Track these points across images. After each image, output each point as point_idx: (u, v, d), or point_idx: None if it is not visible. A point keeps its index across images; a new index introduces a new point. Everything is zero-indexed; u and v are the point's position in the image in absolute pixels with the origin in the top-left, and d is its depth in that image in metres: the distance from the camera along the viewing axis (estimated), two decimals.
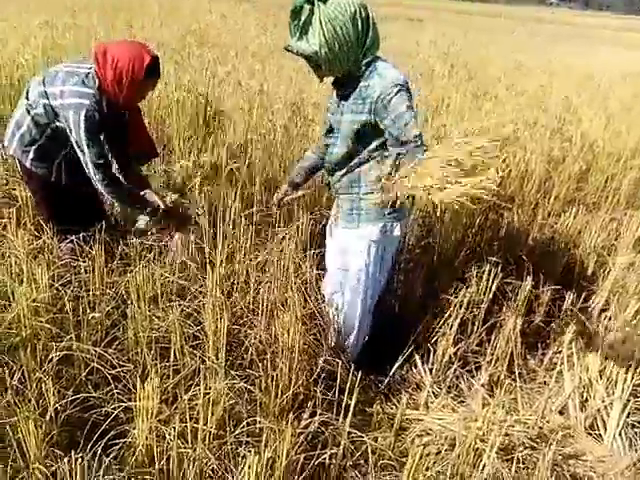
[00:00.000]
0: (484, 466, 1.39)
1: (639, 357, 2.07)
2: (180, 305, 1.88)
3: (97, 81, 2.05)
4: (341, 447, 1.49)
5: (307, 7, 1.66)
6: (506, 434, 1.71)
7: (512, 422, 1.73)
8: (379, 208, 1.86)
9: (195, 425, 1.42)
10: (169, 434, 1.38)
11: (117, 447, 1.44)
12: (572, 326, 2.31)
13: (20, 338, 1.73)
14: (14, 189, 2.76)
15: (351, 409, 1.49)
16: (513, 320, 2.19)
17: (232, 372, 1.61)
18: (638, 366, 2.05)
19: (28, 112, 2.12)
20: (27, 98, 2.13)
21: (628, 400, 1.99)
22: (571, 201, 3.42)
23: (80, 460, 1.23)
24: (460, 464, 1.44)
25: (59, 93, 2.04)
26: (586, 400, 2.08)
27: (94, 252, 2.00)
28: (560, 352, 2.29)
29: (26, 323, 1.74)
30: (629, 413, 1.97)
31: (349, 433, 1.52)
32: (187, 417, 1.40)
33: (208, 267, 1.98)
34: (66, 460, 1.23)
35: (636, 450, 1.89)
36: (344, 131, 1.83)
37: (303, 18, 1.68)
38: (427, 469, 1.37)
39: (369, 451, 1.47)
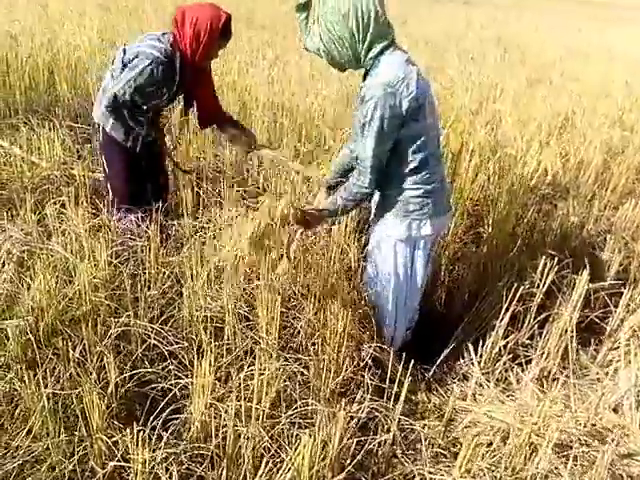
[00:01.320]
0: (539, 461, 1.37)
1: None
2: (233, 286, 1.92)
3: (171, 39, 2.20)
4: (391, 434, 1.50)
5: (309, 4, 1.71)
6: (560, 430, 1.68)
7: (567, 418, 1.68)
8: (404, 205, 1.87)
9: (249, 404, 1.45)
10: (225, 411, 1.41)
11: (175, 422, 1.48)
12: (629, 323, 2.23)
13: (81, 312, 1.80)
14: (72, 168, 2.87)
15: (402, 397, 1.48)
16: (568, 314, 2.12)
17: (284, 354, 1.62)
18: None
19: (112, 77, 2.25)
20: (111, 65, 2.28)
21: None
22: (629, 193, 3.29)
23: (142, 433, 1.28)
24: (514, 457, 1.42)
25: (136, 50, 2.19)
26: None
27: (150, 232, 2.05)
28: (615, 349, 2.21)
29: (86, 299, 1.81)
30: None
31: (399, 420, 1.52)
32: (242, 396, 1.43)
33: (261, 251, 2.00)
34: (128, 431, 1.28)
35: None
36: (353, 127, 1.87)
37: (304, 15, 1.72)
38: (482, 459, 1.36)
39: (422, 439, 1.46)
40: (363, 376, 1.64)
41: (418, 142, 1.78)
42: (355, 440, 1.42)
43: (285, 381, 1.53)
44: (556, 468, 1.41)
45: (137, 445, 1.29)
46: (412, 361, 1.79)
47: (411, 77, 1.68)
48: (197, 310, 1.82)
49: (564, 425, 1.62)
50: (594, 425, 1.85)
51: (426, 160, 1.82)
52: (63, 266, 1.96)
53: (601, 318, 2.27)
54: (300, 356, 1.66)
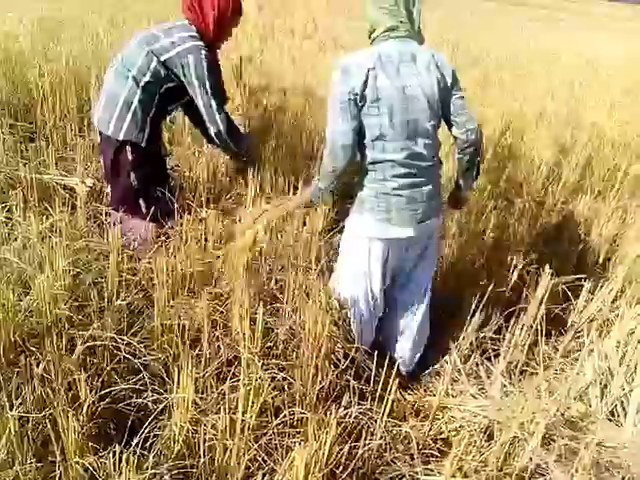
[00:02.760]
0: (529, 455, 1.40)
1: None
2: (203, 291, 1.84)
3: (194, 27, 2.10)
4: (379, 437, 1.49)
5: None
6: (531, 420, 1.73)
7: (541, 410, 1.73)
8: (361, 202, 1.86)
9: (235, 416, 1.39)
10: (212, 426, 1.35)
11: (155, 439, 1.40)
12: (589, 314, 2.34)
13: (42, 326, 1.67)
14: (16, 169, 2.67)
15: (390, 401, 1.47)
16: (533, 308, 2.19)
17: (267, 362, 1.57)
18: None
19: (137, 84, 2.06)
20: (128, 70, 2.06)
21: None
22: (577, 189, 3.44)
23: (123, 454, 1.20)
24: (501, 453, 1.44)
25: (169, 45, 2.03)
26: (605, 387, 2.10)
27: (111, 237, 1.94)
28: (577, 339, 2.31)
29: (47, 311, 1.68)
30: None
31: (386, 423, 1.51)
32: (227, 408, 1.37)
33: (230, 255, 1.94)
34: (110, 454, 1.19)
35: None
36: None
37: None
38: (472, 457, 1.37)
39: (411, 440, 1.46)
40: (347, 380, 1.61)
41: (375, 139, 1.76)
42: (345, 447, 1.40)
43: (270, 390, 1.48)
44: (541, 460, 1.44)
45: (118, 468, 1.21)
46: (388, 360, 1.80)
47: (371, 67, 1.69)
48: (169, 319, 1.73)
49: (540, 417, 1.67)
50: (563, 415, 1.92)
51: (382, 162, 1.78)
52: (18, 276, 1.82)
53: (564, 310, 2.36)
54: (282, 363, 1.62)
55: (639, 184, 3.60)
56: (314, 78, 3.90)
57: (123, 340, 1.65)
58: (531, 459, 1.41)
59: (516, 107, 4.05)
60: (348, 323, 1.97)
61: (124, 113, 2.08)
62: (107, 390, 1.53)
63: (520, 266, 2.34)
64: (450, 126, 1.88)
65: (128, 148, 2.12)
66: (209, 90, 2.07)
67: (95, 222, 2.38)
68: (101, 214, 2.37)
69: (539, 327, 2.17)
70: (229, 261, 1.95)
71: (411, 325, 2.10)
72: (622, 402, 2.03)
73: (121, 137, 2.09)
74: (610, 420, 2.00)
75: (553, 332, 2.45)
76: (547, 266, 2.35)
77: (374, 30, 1.79)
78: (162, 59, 2.04)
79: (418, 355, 2.15)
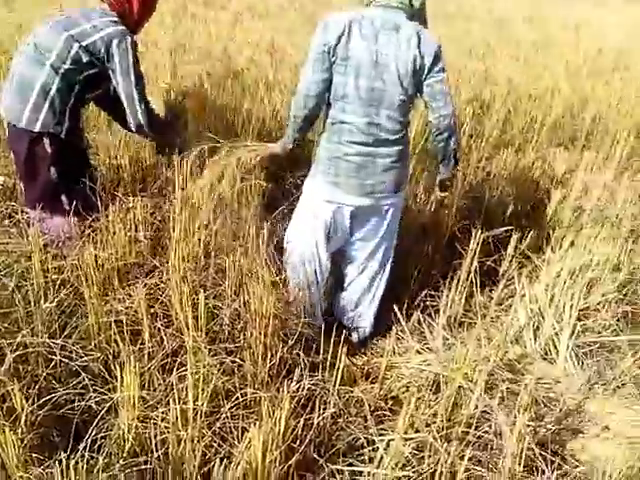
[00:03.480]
0: (474, 404, 1.47)
1: (581, 283, 2.25)
2: (138, 283, 1.78)
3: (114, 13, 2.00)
4: (331, 405, 1.51)
5: None
6: (474, 368, 1.82)
7: (482, 357, 1.82)
8: (316, 162, 1.90)
9: (185, 406, 1.37)
10: (162, 419, 1.31)
11: (103, 441, 1.35)
12: (518, 263, 2.47)
13: None
14: None
15: (340, 368, 1.50)
16: (467, 262, 2.28)
17: (214, 347, 1.55)
18: (581, 291, 2.22)
19: (56, 71, 1.90)
20: (44, 57, 1.90)
21: (575, 324, 2.17)
22: (499, 144, 3.58)
23: (70, 461, 1.15)
24: (448, 404, 1.51)
25: (91, 29, 1.93)
26: (537, 329, 2.24)
27: (31, 236, 1.82)
28: (509, 286, 2.43)
29: None
30: (577, 336, 2.15)
31: (338, 390, 1.54)
32: (176, 399, 1.34)
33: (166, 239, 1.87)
34: (57, 463, 1.14)
35: (584, 370, 2.07)
36: None
37: None
38: (421, 412, 1.43)
39: (365, 403, 1.49)
40: (297, 354, 1.62)
41: (338, 98, 1.78)
42: (301, 420, 1.41)
43: (219, 375, 1.46)
44: (486, 406, 1.53)
45: (67, 476, 1.16)
46: (335, 328, 1.83)
47: (348, 25, 1.71)
48: (105, 315, 1.66)
49: (481, 365, 1.76)
50: (502, 360, 2.04)
51: (340, 124, 1.79)
52: None
53: (496, 261, 2.47)
54: (230, 346, 1.60)
55: (556, 133, 3.80)
56: (234, 51, 3.77)
57: (57, 343, 1.56)
58: (477, 406, 1.48)
59: None
60: (294, 298, 1.97)
61: (40, 102, 1.92)
62: (46, 398, 1.45)
63: (451, 224, 2.42)
64: (426, 108, 1.87)
65: (46, 140, 1.96)
66: (133, 80, 1.98)
67: (11, 222, 2.22)
68: (17, 213, 2.21)
69: (474, 280, 2.27)
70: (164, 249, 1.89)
71: (366, 297, 2.15)
72: (553, 341, 2.18)
73: (37, 129, 1.93)
74: (545, 359, 2.14)
75: (487, 283, 2.58)
76: (477, 222, 2.45)
77: None
78: (84, 44, 1.91)
79: (369, 326, 2.19)
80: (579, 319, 2.20)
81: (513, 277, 2.40)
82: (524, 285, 2.32)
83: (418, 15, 1.81)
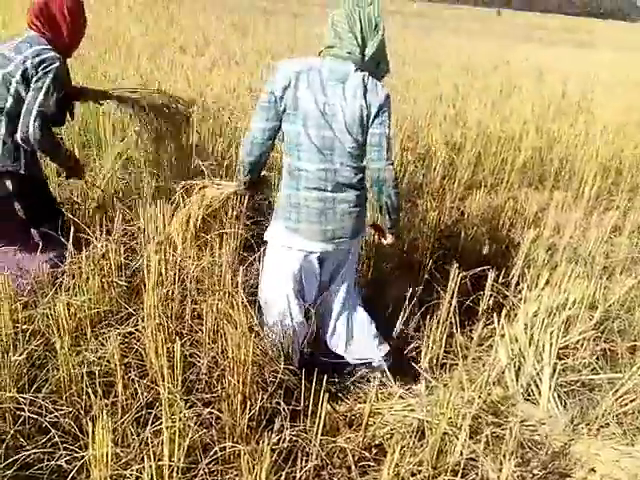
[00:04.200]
0: (459, 449, 1.44)
1: (559, 322, 2.26)
2: (110, 332, 1.72)
3: (43, 39, 2.01)
4: (314, 456, 1.46)
5: None
6: (458, 413, 1.79)
7: (465, 401, 1.80)
8: (277, 206, 1.92)
9: (160, 462, 1.30)
10: (135, 478, 1.25)
11: None
12: (496, 302, 2.48)
13: None
14: None
15: (322, 418, 1.45)
16: (445, 303, 2.28)
17: (191, 398, 1.49)
18: (560, 330, 2.23)
19: (0, 112, 1.93)
20: None
21: (555, 364, 2.17)
22: (471, 185, 3.67)
23: None
24: (433, 451, 1.47)
25: (23, 58, 1.93)
26: (519, 369, 2.23)
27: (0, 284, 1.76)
28: (488, 326, 2.43)
29: None
30: (558, 375, 2.14)
31: (321, 441, 1.49)
32: (151, 455, 1.28)
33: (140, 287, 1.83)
34: None
35: (567, 410, 2.06)
36: None
37: None
38: (407, 460, 1.39)
39: (349, 453, 1.44)
40: (277, 403, 1.57)
41: (292, 147, 1.79)
42: (282, 474, 1.36)
43: (197, 428, 1.41)
44: (472, 452, 1.49)
45: None
46: (315, 375, 1.78)
47: (296, 75, 1.73)
48: (77, 367, 1.59)
49: (464, 408, 1.73)
50: (485, 402, 2.01)
51: (298, 171, 1.80)
52: None
53: (475, 301, 2.48)
54: (207, 396, 1.55)
55: (525, 174, 3.91)
56: (211, 97, 3.83)
57: (26, 398, 1.49)
58: (462, 453, 1.45)
59: (408, 111, 4.25)
60: (272, 343, 1.93)
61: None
62: (14, 457, 1.37)
63: (429, 264, 2.43)
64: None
65: (7, 178, 1.97)
66: (40, 97, 1.93)
67: None
68: None
69: (453, 320, 2.27)
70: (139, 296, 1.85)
71: (343, 330, 2.11)
72: (535, 381, 2.17)
73: None
74: (527, 399, 2.13)
75: (466, 323, 2.58)
76: (453, 261, 2.47)
77: (325, 45, 1.80)
78: (18, 78, 1.92)
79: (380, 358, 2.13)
80: (559, 358, 2.20)
81: (492, 317, 2.40)
82: (503, 325, 2.33)
83: (369, 64, 1.78)
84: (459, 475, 1.44)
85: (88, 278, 1.91)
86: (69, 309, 1.75)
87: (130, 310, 1.86)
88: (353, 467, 1.45)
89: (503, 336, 2.29)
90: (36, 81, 1.92)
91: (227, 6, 13.89)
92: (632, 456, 1.78)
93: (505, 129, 4.03)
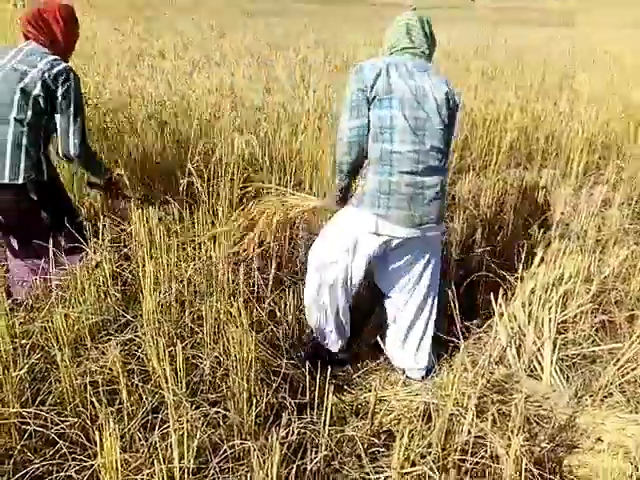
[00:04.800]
0: (467, 430, 1.45)
1: (556, 297, 2.27)
2: (111, 341, 1.71)
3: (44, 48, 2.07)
4: (323, 447, 1.47)
5: None
6: (463, 393, 1.80)
7: (469, 380, 1.81)
8: (361, 194, 1.92)
9: (170, 465, 1.30)
10: None
11: None
12: (493, 282, 2.49)
13: None
14: None
15: (328, 408, 1.46)
16: (444, 287, 2.29)
17: (196, 399, 1.49)
18: (557, 305, 2.25)
19: (21, 123, 1.96)
20: (4, 112, 1.95)
21: (555, 338, 2.19)
22: (460, 169, 3.68)
23: None
24: (442, 433, 1.48)
25: (39, 72, 1.97)
26: (520, 346, 2.24)
27: None
28: (486, 307, 2.45)
29: None
30: (559, 350, 2.16)
31: (329, 431, 1.49)
32: (160, 458, 1.27)
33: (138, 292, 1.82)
34: None
35: (570, 383, 2.07)
36: None
37: None
38: (416, 444, 1.40)
39: (358, 441, 1.45)
40: (282, 397, 1.57)
41: (384, 130, 1.83)
42: (293, 467, 1.36)
43: (204, 429, 1.41)
44: (479, 430, 1.50)
45: None
46: (319, 368, 1.79)
47: (384, 66, 1.85)
48: (79, 377, 1.59)
49: (468, 388, 1.74)
50: (489, 381, 2.02)
51: (389, 154, 1.83)
52: None
53: (476, 283, 2.49)
54: (212, 396, 1.55)
55: (513, 155, 3.93)
56: (192, 101, 3.81)
57: (30, 412, 1.48)
58: (470, 432, 1.46)
59: None
60: (276, 337, 1.93)
61: (17, 155, 1.97)
62: (22, 472, 1.37)
63: None
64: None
65: (31, 189, 2.01)
66: (72, 113, 2.03)
67: None
68: None
69: (452, 303, 2.28)
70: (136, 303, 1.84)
71: (415, 333, 2.12)
72: (537, 357, 2.18)
73: (21, 180, 1.97)
74: (530, 376, 2.14)
75: (465, 305, 2.59)
76: (448, 245, 2.48)
77: (393, 47, 1.97)
78: (37, 92, 1.97)
79: (427, 363, 2.14)
80: (559, 333, 2.22)
81: (490, 297, 2.41)
82: (501, 304, 2.34)
83: (430, 62, 2.00)
84: (468, 454, 1.45)
85: (84, 288, 1.91)
86: (67, 321, 1.74)
87: (129, 317, 1.86)
88: (363, 454, 1.45)
89: (502, 315, 2.31)
90: (63, 98, 2.01)
91: (204, 9, 13.82)
92: (638, 423, 1.79)
93: (490, 111, 4.04)
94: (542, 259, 2.63)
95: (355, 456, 1.50)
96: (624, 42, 9.63)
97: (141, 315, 1.81)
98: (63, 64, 2.04)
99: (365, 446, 1.54)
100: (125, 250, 2.17)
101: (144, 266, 1.87)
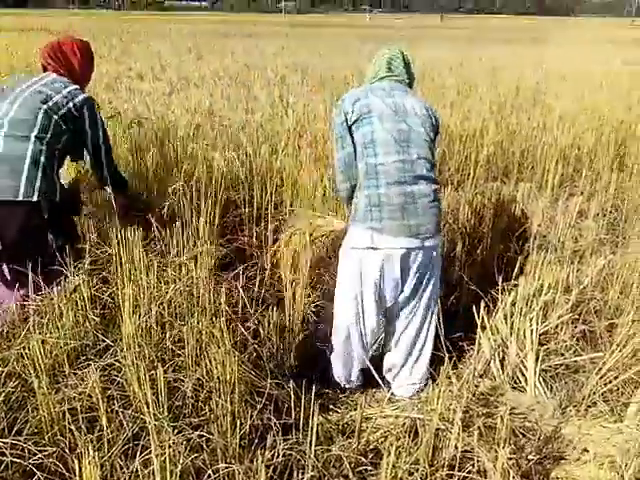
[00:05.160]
0: (454, 444, 1.44)
1: (537, 309, 2.30)
2: (90, 366, 1.67)
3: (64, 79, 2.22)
4: (309, 468, 1.44)
5: None
6: (449, 408, 1.80)
7: (454, 394, 1.81)
8: (355, 211, 1.97)
9: None
10: None
11: None
12: (474, 295, 2.51)
13: None
14: None
15: (314, 429, 1.44)
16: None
17: (178, 424, 1.46)
18: (538, 316, 2.27)
19: (41, 142, 2.05)
20: (25, 132, 2.02)
21: (538, 349, 2.20)
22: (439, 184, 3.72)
23: None
24: (429, 448, 1.47)
25: (62, 98, 2.11)
26: (503, 358, 2.25)
27: None
28: (468, 319, 2.46)
29: None
30: (542, 361, 2.17)
31: (315, 451, 1.47)
32: None
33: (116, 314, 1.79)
34: None
35: (554, 394, 2.08)
36: None
37: None
38: (403, 460, 1.38)
39: (345, 461, 1.43)
40: (268, 418, 1.55)
41: (367, 145, 1.89)
42: None
43: (187, 453, 1.37)
44: (466, 445, 1.50)
45: None
46: (304, 386, 1.77)
47: (362, 93, 1.98)
48: (57, 405, 1.54)
49: (454, 402, 1.74)
50: (474, 395, 2.02)
51: (375, 167, 1.86)
52: None
53: (457, 298, 2.50)
54: (195, 420, 1.51)
55: (490, 169, 3.99)
56: (172, 121, 3.81)
57: (6, 443, 1.43)
58: (456, 446, 1.45)
59: None
60: (259, 357, 1.91)
61: (34, 173, 2.01)
62: None
63: None
64: None
65: (44, 207, 2.03)
66: (102, 144, 2.22)
67: None
68: None
69: (437, 316, 2.28)
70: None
71: (414, 351, 2.11)
72: (520, 369, 2.19)
73: (35, 198, 2.00)
74: (515, 388, 2.15)
75: (447, 318, 2.59)
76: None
77: (374, 77, 2.09)
78: (60, 114, 2.09)
79: (422, 380, 2.14)
80: (541, 344, 2.23)
81: (472, 310, 2.43)
82: (483, 317, 2.35)
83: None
84: (456, 469, 1.44)
85: (62, 313, 1.86)
86: (44, 347, 1.69)
87: (108, 342, 1.82)
88: (350, 474, 1.43)
89: (484, 328, 2.32)
90: (91, 127, 2.17)
91: (181, 32, 13.91)
92: (622, 432, 1.81)
93: (466, 127, 4.12)
94: (521, 271, 2.67)
95: (342, 476, 1.48)
96: (590, 58, 9.95)
97: (121, 339, 1.77)
98: (85, 94, 2.19)
99: (352, 465, 1.51)
100: (104, 273, 2.13)
101: (123, 288, 1.84)
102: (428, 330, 2.11)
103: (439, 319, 2.18)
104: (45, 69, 2.24)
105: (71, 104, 2.11)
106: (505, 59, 10.18)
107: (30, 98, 2.08)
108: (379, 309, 1.99)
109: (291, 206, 2.97)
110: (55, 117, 2.07)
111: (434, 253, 1.98)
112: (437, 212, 1.93)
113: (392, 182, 1.85)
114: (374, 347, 2.21)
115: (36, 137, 2.03)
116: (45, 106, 2.07)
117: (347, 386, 2.14)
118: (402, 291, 1.98)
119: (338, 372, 2.12)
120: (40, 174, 2.02)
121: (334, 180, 2.12)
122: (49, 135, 2.06)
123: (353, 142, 1.96)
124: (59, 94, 2.12)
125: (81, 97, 2.15)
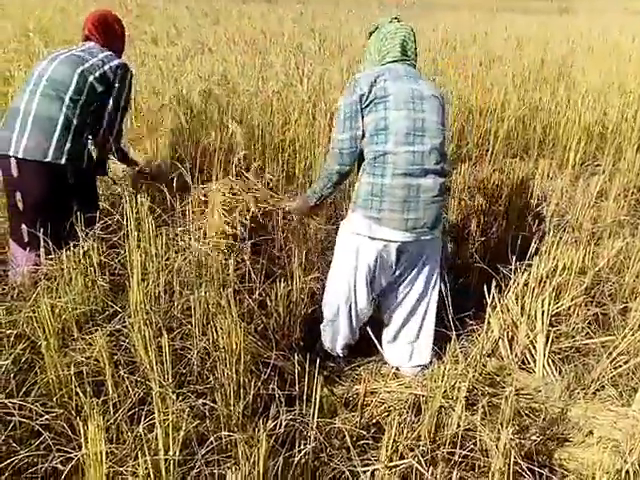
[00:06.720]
0: (458, 422, 1.43)
1: (550, 290, 2.26)
2: (97, 331, 1.69)
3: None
4: (311, 439, 1.45)
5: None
6: (453, 386, 1.79)
7: (460, 372, 1.79)
8: (356, 197, 1.91)
9: (155, 457, 1.28)
10: (131, 474, 1.23)
11: None
12: (487, 274, 2.48)
13: None
14: None
15: (317, 400, 1.44)
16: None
17: (182, 391, 1.47)
18: (551, 297, 2.23)
19: (75, 104, 2.07)
20: (61, 92, 2.06)
21: (548, 331, 2.17)
22: (456, 159, 3.64)
23: None
24: (431, 425, 1.47)
25: (99, 61, 2.16)
26: (512, 339, 2.23)
27: None
28: (479, 298, 2.43)
29: None
30: (552, 342, 2.15)
31: (317, 424, 1.48)
32: (146, 450, 1.26)
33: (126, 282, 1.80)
34: None
35: (562, 376, 2.06)
36: None
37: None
38: (405, 437, 1.38)
39: (346, 434, 1.44)
40: (272, 389, 1.55)
41: (379, 131, 1.82)
42: (280, 459, 1.34)
43: (191, 420, 1.39)
44: (469, 423, 1.49)
45: None
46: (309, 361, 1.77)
47: (378, 75, 1.87)
48: (65, 368, 1.56)
49: (460, 381, 1.73)
50: (481, 374, 2.01)
51: (383, 155, 1.81)
52: None
53: (469, 274, 2.47)
54: (199, 388, 1.52)
55: (510, 144, 3.89)
56: (186, 88, 3.75)
57: (14, 403, 1.46)
58: (459, 424, 1.45)
59: None
60: (266, 328, 1.91)
61: (65, 135, 2.05)
62: (6, 462, 1.35)
63: None
64: None
65: (70, 171, 2.08)
66: (121, 110, 2.23)
67: None
68: None
69: (445, 294, 2.26)
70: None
71: (408, 334, 2.10)
72: (529, 350, 2.17)
73: (64, 161, 2.03)
74: (522, 369, 2.13)
75: (458, 297, 2.57)
76: (443, 236, 2.45)
77: (383, 57, 1.97)
78: (97, 75, 2.13)
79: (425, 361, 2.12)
80: (552, 325, 2.20)
81: (483, 289, 2.40)
82: (495, 296, 2.32)
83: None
84: (457, 447, 1.44)
85: (71, 278, 1.88)
86: (53, 311, 1.71)
87: (116, 308, 1.83)
88: (351, 447, 1.44)
89: (495, 307, 2.29)
90: (118, 91, 2.20)
91: None
92: (628, 416, 1.79)
93: (487, 101, 3.99)
94: (536, 251, 2.61)
95: (344, 449, 1.49)
96: (623, 29, 9.56)
97: (129, 306, 1.78)
98: (122, 60, 2.26)
99: (354, 439, 1.52)
100: (114, 239, 2.14)
101: (132, 256, 1.84)
102: (427, 307, 2.09)
103: (447, 297, 2.15)
104: (87, 39, 2.29)
105: (107, 67, 2.16)
106: (530, 29, 9.83)
107: (67, 60, 2.13)
108: (370, 293, 1.99)
109: (304, 178, 2.94)
110: (90, 78, 2.11)
111: (431, 244, 1.98)
112: (439, 207, 1.90)
113: (399, 173, 1.80)
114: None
115: (70, 99, 2.06)
116: (82, 67, 2.11)
117: (333, 354, 2.14)
118: (396, 273, 1.99)
119: (325, 341, 2.13)
120: (70, 138, 2.04)
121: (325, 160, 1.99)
122: (83, 98, 2.09)
123: (362, 125, 1.87)
124: (95, 57, 2.18)
125: (117, 61, 2.22)
